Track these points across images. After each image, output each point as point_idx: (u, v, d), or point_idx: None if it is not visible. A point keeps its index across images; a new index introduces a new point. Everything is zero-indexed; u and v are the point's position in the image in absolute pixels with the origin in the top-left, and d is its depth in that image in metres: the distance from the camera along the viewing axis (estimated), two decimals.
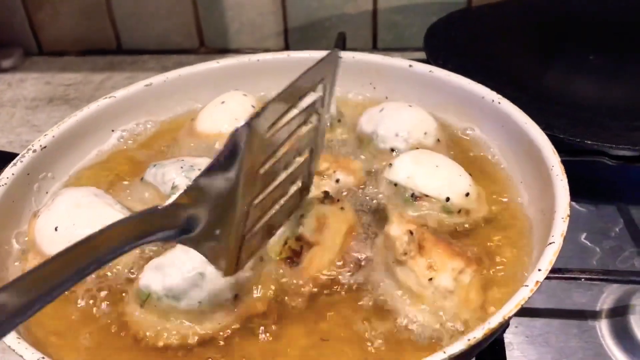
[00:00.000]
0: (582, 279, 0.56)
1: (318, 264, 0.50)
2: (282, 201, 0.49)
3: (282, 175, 0.47)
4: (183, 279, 0.46)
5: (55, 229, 0.52)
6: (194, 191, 0.39)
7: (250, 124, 0.38)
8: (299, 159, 0.49)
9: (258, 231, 0.46)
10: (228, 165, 0.38)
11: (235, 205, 0.40)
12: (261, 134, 0.40)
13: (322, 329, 0.47)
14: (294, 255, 0.51)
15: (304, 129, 0.47)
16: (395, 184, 0.56)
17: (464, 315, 0.46)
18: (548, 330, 0.61)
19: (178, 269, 0.47)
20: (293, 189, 0.50)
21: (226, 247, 0.42)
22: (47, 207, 0.55)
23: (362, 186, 0.59)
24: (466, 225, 0.54)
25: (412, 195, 0.55)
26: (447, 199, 0.54)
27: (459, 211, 0.54)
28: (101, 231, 0.34)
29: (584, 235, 0.71)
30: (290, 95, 0.43)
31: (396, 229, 0.47)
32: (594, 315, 0.61)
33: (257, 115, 0.38)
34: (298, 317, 0.48)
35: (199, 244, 0.41)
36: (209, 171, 0.39)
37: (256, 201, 0.44)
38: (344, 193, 0.58)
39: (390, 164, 0.57)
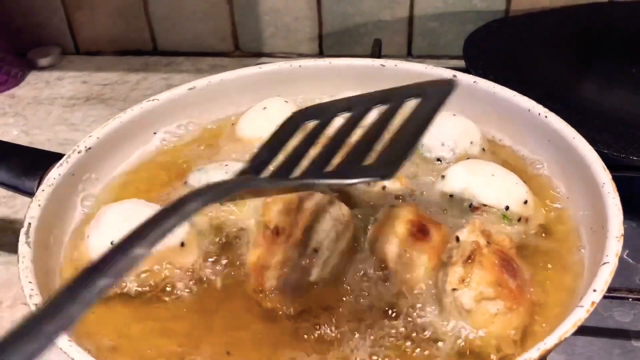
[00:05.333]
0: (630, 299, 0.55)
1: None
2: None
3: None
4: None
5: (112, 243, 0.51)
6: None
7: None
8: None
9: None
10: None
11: None
12: None
13: None
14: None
15: None
16: (451, 195, 0.55)
17: (476, 340, 0.45)
18: (590, 350, 0.59)
19: None
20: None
21: None
22: (95, 226, 0.53)
23: (409, 192, 0.57)
24: (524, 236, 0.54)
25: (470, 205, 0.54)
26: (507, 208, 0.53)
27: (519, 219, 0.54)
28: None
29: (626, 252, 0.69)
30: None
31: (462, 233, 0.48)
32: (639, 335, 0.60)
33: None
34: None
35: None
36: None
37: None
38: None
39: (443, 176, 0.57)
